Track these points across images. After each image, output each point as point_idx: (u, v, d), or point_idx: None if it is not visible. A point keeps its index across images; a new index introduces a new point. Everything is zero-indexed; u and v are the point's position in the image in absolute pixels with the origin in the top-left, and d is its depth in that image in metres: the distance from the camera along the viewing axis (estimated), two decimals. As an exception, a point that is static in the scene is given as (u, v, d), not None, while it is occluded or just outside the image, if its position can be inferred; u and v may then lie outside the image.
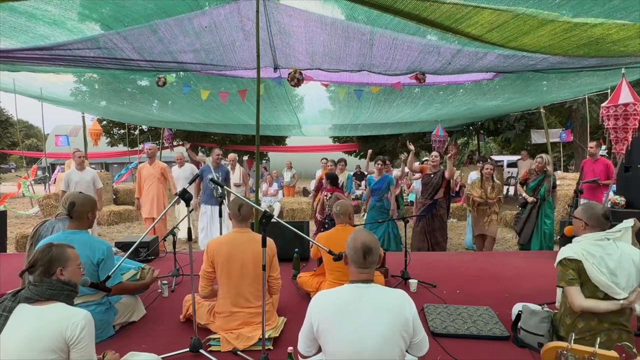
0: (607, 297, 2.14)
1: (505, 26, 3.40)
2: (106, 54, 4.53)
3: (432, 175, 5.54)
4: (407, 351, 1.67)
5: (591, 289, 2.16)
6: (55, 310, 1.65)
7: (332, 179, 5.30)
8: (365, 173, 8.44)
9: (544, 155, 5.37)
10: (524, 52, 4.14)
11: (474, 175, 6.95)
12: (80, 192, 2.80)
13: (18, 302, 1.67)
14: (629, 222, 2.31)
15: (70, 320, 1.60)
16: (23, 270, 1.78)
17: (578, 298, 2.14)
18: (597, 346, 1.80)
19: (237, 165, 6.83)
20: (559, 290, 2.38)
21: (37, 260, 1.74)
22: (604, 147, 9.56)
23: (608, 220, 2.27)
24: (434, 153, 5.66)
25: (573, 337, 2.19)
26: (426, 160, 6.58)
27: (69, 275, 1.79)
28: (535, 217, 5.26)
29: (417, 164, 6.03)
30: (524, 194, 5.38)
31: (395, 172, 7.93)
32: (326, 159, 6.05)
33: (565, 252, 2.24)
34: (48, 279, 1.72)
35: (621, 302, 2.10)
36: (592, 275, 2.13)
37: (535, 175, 5.32)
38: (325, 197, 5.30)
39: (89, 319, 1.64)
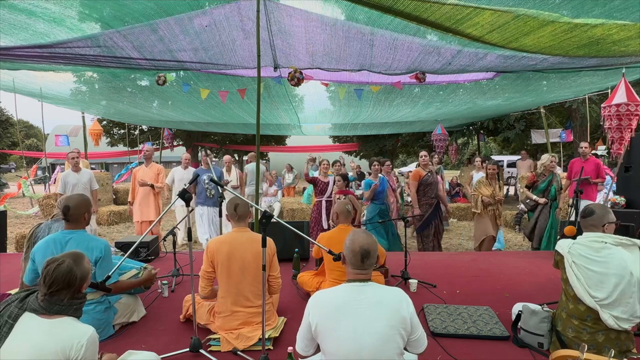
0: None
1: (506, 27, 3.40)
2: (106, 52, 4.52)
3: (429, 174, 5.48)
4: (405, 348, 1.67)
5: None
6: (63, 327, 1.62)
7: (345, 179, 5.33)
8: (366, 174, 8.39)
9: (549, 155, 5.33)
10: (525, 52, 4.13)
11: (476, 175, 6.94)
12: (74, 194, 2.78)
13: (24, 310, 1.64)
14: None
15: (75, 340, 1.58)
16: (45, 293, 1.65)
17: None
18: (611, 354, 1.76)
19: (233, 167, 6.74)
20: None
21: (58, 283, 1.64)
22: (603, 147, 9.54)
23: (586, 214, 2.33)
24: (422, 152, 5.62)
25: (570, 335, 2.21)
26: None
27: (86, 286, 1.77)
28: (547, 218, 5.18)
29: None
30: (534, 197, 5.30)
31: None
32: (327, 161, 5.90)
33: (559, 243, 2.38)
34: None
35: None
36: (568, 274, 2.21)
37: (543, 177, 5.27)
38: (337, 200, 5.28)
39: (93, 339, 1.63)
